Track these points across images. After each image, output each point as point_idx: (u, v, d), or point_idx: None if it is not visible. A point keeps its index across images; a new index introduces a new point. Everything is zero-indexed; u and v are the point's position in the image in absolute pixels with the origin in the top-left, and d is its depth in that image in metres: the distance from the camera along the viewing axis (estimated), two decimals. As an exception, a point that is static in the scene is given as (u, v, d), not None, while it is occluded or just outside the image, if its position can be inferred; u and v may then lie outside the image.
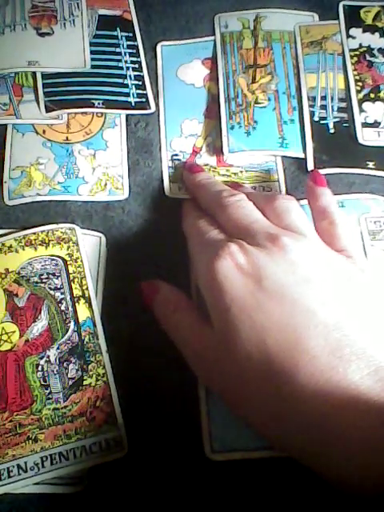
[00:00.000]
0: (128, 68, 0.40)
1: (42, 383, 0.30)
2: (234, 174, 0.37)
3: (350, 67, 0.39)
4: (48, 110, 0.37)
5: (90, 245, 0.34)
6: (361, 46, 0.40)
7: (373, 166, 0.36)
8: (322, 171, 0.35)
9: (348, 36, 0.40)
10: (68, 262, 0.33)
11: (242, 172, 0.37)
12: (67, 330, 0.31)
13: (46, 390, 0.30)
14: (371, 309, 0.26)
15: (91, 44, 0.40)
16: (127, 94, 0.39)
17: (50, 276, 0.33)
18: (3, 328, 0.31)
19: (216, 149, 0.37)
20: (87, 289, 0.32)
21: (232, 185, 0.35)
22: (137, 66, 0.40)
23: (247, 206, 0.31)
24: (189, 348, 0.29)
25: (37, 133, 0.37)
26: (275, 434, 0.26)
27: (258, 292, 0.26)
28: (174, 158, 0.37)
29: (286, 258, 0.27)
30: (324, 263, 0.27)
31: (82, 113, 0.38)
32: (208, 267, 0.28)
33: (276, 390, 0.25)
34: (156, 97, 0.39)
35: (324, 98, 0.38)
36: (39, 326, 0.31)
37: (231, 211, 0.30)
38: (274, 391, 0.25)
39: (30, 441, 0.29)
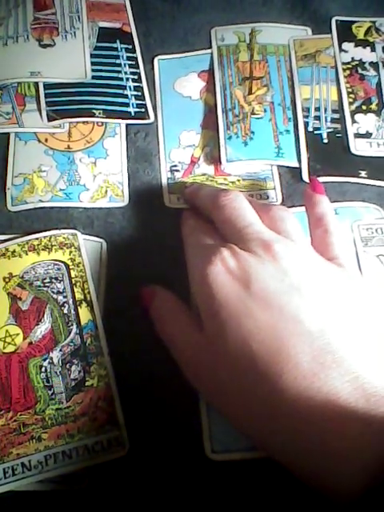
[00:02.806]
0: (128, 79, 0.41)
1: (46, 384, 0.31)
2: (232, 182, 0.38)
3: (342, 80, 0.40)
4: (50, 119, 0.38)
5: (91, 250, 0.35)
6: (353, 59, 0.41)
7: (365, 175, 0.37)
8: (317, 180, 0.37)
9: (340, 50, 0.41)
10: (70, 267, 0.34)
11: (239, 180, 0.38)
12: (70, 333, 0.32)
13: (50, 390, 0.30)
14: (357, 318, 0.27)
15: (92, 55, 0.41)
16: (127, 105, 0.40)
17: (53, 280, 0.33)
18: (7, 331, 0.32)
19: (214, 158, 0.38)
20: (89, 292, 0.33)
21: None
22: (136, 77, 0.41)
23: (242, 207, 0.31)
24: (181, 352, 0.30)
25: (39, 141, 0.38)
26: (260, 437, 0.27)
27: (246, 297, 0.27)
28: (173, 168, 0.38)
29: (276, 266, 0.27)
30: (314, 271, 0.28)
31: (83, 122, 0.39)
32: (200, 272, 0.28)
33: (261, 394, 0.26)
34: (154, 109, 0.40)
35: (318, 109, 0.39)
36: (42, 329, 0.32)
37: (227, 212, 0.31)
38: (259, 395, 0.26)
39: (34, 440, 0.29)
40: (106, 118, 0.39)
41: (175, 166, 0.38)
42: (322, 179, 0.36)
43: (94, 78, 0.40)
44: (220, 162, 0.38)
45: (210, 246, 0.30)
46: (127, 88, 0.40)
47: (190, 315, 0.31)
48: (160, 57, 0.42)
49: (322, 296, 0.27)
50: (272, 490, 0.28)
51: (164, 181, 0.38)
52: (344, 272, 0.29)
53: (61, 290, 0.33)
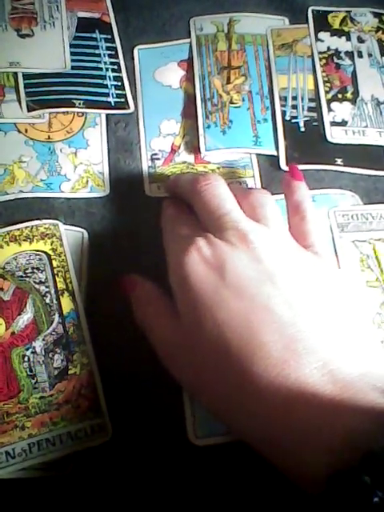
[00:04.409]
0: (107, 69, 0.41)
1: (29, 373, 0.31)
2: (212, 170, 0.38)
3: (318, 69, 0.41)
4: (30, 109, 0.38)
5: (72, 240, 0.35)
6: (329, 48, 0.41)
7: (341, 163, 0.38)
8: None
9: (317, 39, 0.42)
10: (52, 257, 0.34)
11: (219, 168, 0.38)
12: (52, 322, 0.32)
13: (33, 379, 0.31)
14: (329, 306, 0.27)
15: (71, 45, 0.41)
16: (107, 95, 0.40)
17: (35, 270, 0.33)
18: (-11, 320, 0.32)
19: (194, 147, 0.39)
20: (71, 282, 0.33)
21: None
22: (116, 66, 0.41)
23: (221, 193, 0.31)
24: (158, 340, 0.30)
25: (19, 131, 0.38)
26: (235, 423, 0.27)
27: (220, 287, 0.27)
28: (154, 157, 0.38)
29: (250, 255, 0.28)
30: (288, 260, 0.28)
31: (63, 112, 0.39)
32: (177, 261, 0.29)
33: (235, 383, 0.26)
34: (135, 99, 0.40)
35: (295, 98, 0.40)
36: (25, 319, 0.32)
37: (205, 198, 0.31)
38: (233, 383, 0.26)
39: (18, 428, 0.29)
40: (86, 108, 0.39)
41: (155, 154, 0.38)
42: (299, 167, 0.36)
43: (73, 68, 0.40)
44: (199, 151, 0.38)
45: (187, 236, 0.30)
46: (107, 78, 0.40)
47: (168, 303, 0.31)
48: (140, 46, 0.42)
49: (295, 284, 0.27)
50: (256, 472, 0.29)
51: (145, 170, 0.38)
52: (319, 260, 0.29)
53: (43, 280, 0.33)
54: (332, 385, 0.24)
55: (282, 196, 0.34)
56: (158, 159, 0.38)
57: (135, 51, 0.42)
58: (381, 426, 0.22)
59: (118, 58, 0.41)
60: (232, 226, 0.29)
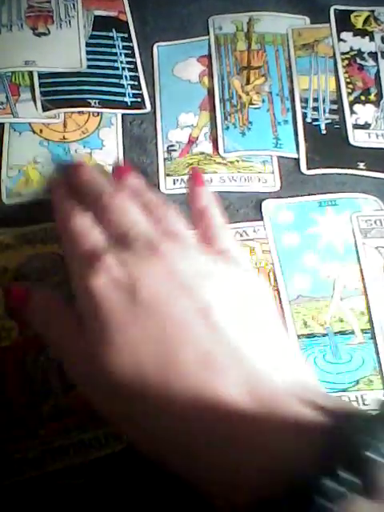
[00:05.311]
0: (124, 68, 0.40)
1: (42, 379, 0.30)
2: (231, 162, 0.37)
3: (341, 70, 0.40)
4: (45, 109, 0.38)
5: (87, 242, 0.34)
6: (351, 49, 0.41)
7: (363, 167, 0.37)
8: (315, 171, 0.37)
9: (339, 39, 0.41)
10: (66, 260, 0.33)
11: (238, 161, 0.37)
12: (66, 327, 0.32)
13: (46, 385, 0.30)
14: (247, 315, 0.26)
15: (87, 44, 0.40)
16: (123, 94, 0.39)
17: (49, 273, 0.33)
18: (3, 325, 0.31)
19: (212, 138, 0.38)
20: (85, 286, 0.33)
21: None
22: (132, 66, 0.40)
23: (128, 208, 0.29)
24: (68, 358, 0.28)
25: (34, 132, 0.38)
26: (153, 452, 0.25)
27: (134, 306, 0.25)
28: (170, 148, 0.38)
29: (163, 268, 0.26)
30: (204, 269, 0.27)
31: (79, 112, 0.38)
32: (83, 280, 0.27)
33: (150, 409, 0.24)
34: (152, 94, 0.40)
35: (316, 99, 0.39)
36: (38, 323, 0.32)
37: (110, 211, 0.29)
38: (148, 409, 0.24)
39: (31, 435, 0.29)
40: (102, 107, 0.38)
41: (172, 145, 0.38)
42: (320, 171, 0.36)
43: (89, 67, 0.40)
44: (218, 152, 0.37)
45: (94, 251, 0.28)
46: (123, 77, 0.40)
47: (76, 318, 0.28)
48: (159, 43, 0.41)
49: (212, 295, 0.26)
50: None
51: (160, 165, 0.37)
52: (236, 264, 0.28)
53: (57, 283, 0.33)
54: (254, 401, 0.23)
55: (305, 198, 0.33)
56: (175, 150, 0.38)
57: (154, 48, 0.41)
58: (303, 443, 0.21)
59: (134, 57, 0.41)
60: (142, 238, 0.28)
